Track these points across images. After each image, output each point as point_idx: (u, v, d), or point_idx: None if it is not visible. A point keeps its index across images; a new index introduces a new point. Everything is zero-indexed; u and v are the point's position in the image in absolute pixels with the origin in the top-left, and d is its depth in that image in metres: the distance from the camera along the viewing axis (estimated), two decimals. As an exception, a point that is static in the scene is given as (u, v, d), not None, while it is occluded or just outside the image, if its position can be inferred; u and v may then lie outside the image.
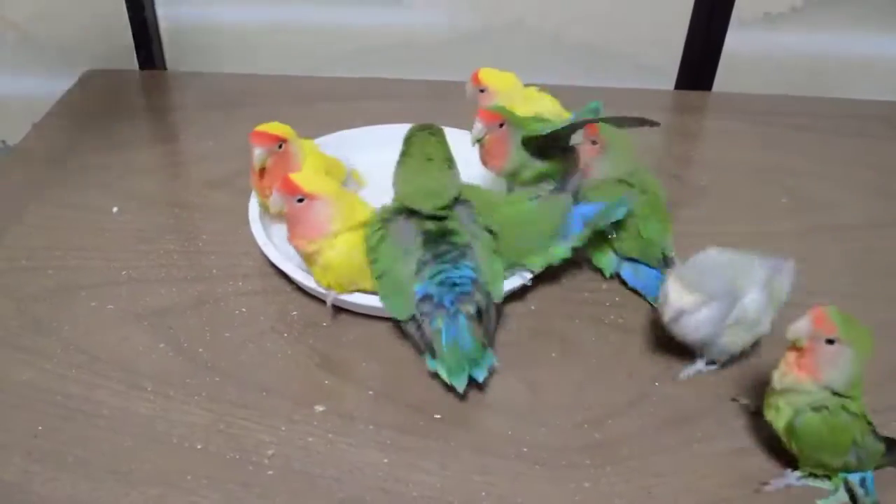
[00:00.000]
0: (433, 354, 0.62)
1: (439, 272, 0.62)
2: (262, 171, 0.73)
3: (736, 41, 1.11)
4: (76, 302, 0.71)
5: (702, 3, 1.07)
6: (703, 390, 0.64)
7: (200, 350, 0.66)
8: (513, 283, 0.70)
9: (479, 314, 0.63)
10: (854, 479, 0.57)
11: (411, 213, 0.65)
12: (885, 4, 1.09)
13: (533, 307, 0.72)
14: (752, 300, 0.62)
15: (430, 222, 0.64)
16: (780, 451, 0.58)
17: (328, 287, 0.67)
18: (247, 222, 0.75)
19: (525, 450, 0.59)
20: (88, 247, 0.77)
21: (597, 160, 0.75)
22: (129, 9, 1.10)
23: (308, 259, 0.67)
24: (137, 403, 0.61)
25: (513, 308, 0.71)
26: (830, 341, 0.54)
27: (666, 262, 0.72)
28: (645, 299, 0.73)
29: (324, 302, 0.70)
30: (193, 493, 0.55)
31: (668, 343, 0.68)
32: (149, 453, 0.58)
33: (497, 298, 0.65)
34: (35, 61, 1.16)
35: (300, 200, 0.64)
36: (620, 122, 0.75)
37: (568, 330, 0.70)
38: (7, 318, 0.69)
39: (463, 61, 1.14)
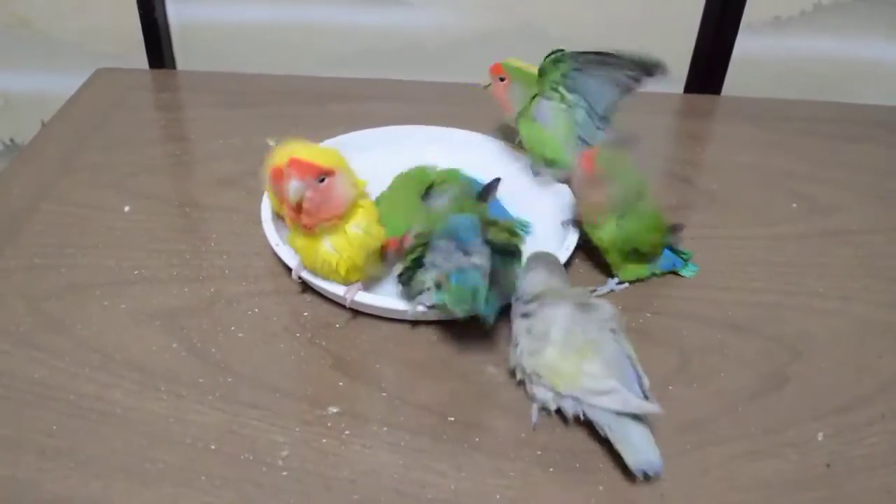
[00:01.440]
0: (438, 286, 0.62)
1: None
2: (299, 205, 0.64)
3: (745, 45, 1.11)
4: (89, 301, 0.71)
5: (712, 7, 1.08)
6: (716, 394, 0.64)
7: (213, 350, 0.66)
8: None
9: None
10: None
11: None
12: (893, 9, 1.09)
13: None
14: (546, 313, 0.61)
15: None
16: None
17: (346, 276, 0.67)
18: (258, 222, 0.76)
19: (539, 453, 0.59)
20: (100, 246, 0.77)
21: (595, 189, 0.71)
22: (139, 7, 1.10)
23: (333, 241, 0.66)
24: (151, 403, 0.61)
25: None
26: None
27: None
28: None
29: (336, 303, 0.70)
30: (207, 494, 0.55)
31: (680, 345, 0.68)
32: (162, 453, 0.58)
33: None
34: (45, 59, 1.16)
35: (322, 181, 0.63)
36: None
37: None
38: (20, 317, 0.69)
39: (471, 63, 1.14)
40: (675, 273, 0.76)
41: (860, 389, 0.65)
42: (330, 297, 0.70)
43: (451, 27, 1.12)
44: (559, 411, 0.60)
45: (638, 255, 0.72)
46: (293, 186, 0.62)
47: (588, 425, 0.60)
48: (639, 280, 0.75)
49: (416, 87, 1.11)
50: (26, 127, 1.21)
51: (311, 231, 0.65)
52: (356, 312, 0.70)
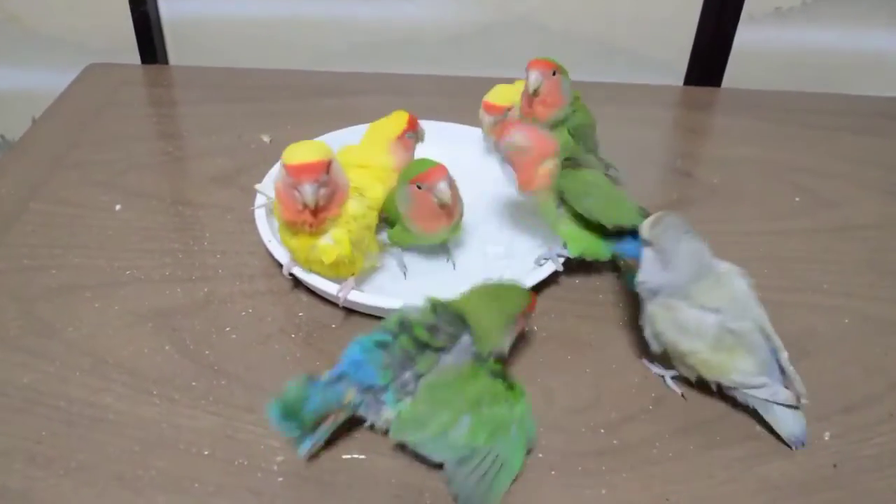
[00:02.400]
0: None
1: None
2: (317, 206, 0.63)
3: (746, 36, 1.09)
4: (79, 303, 0.69)
5: (711, -1, 1.06)
6: (722, 395, 0.63)
7: (206, 352, 0.65)
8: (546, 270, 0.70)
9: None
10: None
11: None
12: (894, 0, 1.08)
13: (545, 309, 0.70)
14: (700, 316, 0.59)
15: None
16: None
17: (340, 271, 0.66)
18: (252, 220, 0.74)
19: (540, 455, 0.57)
20: (91, 245, 0.76)
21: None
22: (130, 2, 1.08)
23: (333, 233, 0.65)
24: (143, 407, 0.60)
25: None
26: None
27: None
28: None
29: (332, 303, 0.69)
30: (201, 501, 0.54)
31: (646, 367, 0.67)
32: (155, 459, 0.56)
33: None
34: (36, 55, 1.15)
35: (328, 172, 0.62)
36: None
37: (581, 332, 0.68)
38: (8, 319, 0.67)
39: (470, 56, 1.13)
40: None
41: (867, 388, 0.64)
42: (325, 296, 0.69)
43: (448, 20, 1.11)
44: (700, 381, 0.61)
45: (588, 224, 0.69)
46: (309, 191, 0.61)
47: (598, 425, 0.58)
48: (596, 260, 0.72)
49: (413, 80, 1.10)
50: (17, 124, 1.19)
51: (318, 228, 0.64)
52: (351, 312, 0.69)
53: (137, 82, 1.08)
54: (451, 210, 0.70)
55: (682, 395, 0.63)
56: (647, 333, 0.62)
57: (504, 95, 0.84)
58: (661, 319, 0.60)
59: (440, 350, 0.56)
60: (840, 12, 1.09)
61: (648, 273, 0.61)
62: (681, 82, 1.13)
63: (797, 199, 0.87)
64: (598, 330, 0.68)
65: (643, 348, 0.65)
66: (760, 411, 0.60)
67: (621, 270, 0.74)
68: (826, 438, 0.60)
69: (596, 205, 0.68)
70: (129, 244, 0.76)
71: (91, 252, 0.75)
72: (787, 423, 0.59)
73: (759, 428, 0.60)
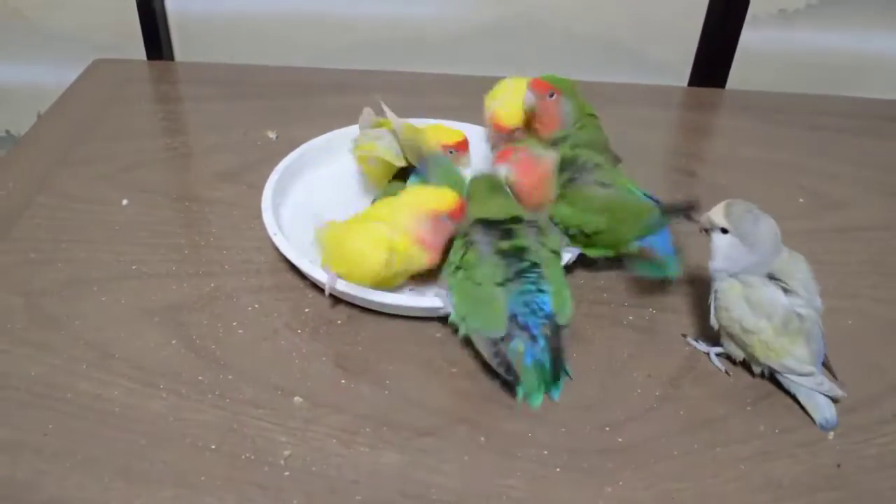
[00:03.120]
0: (510, 373, 0.60)
1: (524, 292, 0.61)
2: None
3: (750, 38, 1.10)
4: (86, 296, 0.70)
5: (716, 0, 1.06)
6: (726, 393, 0.63)
7: (213, 347, 0.65)
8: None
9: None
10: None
11: (485, 231, 0.65)
12: (901, 2, 1.08)
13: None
14: (774, 296, 0.61)
15: (503, 242, 0.63)
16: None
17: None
18: (258, 216, 0.74)
19: (545, 452, 0.58)
20: (97, 240, 0.76)
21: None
22: (137, -2, 1.08)
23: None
24: (150, 401, 0.60)
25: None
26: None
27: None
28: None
29: (338, 299, 0.69)
30: (208, 495, 0.54)
31: (690, 345, 0.67)
32: (161, 453, 0.56)
33: (564, 322, 0.62)
34: (42, 50, 1.15)
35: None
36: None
37: (586, 331, 0.68)
38: (15, 313, 0.68)
39: (475, 55, 1.13)
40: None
41: (871, 388, 0.64)
42: (332, 292, 0.69)
43: (453, 19, 1.11)
44: (744, 362, 0.64)
45: (584, 236, 0.71)
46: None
47: (603, 424, 0.59)
48: (606, 258, 0.73)
49: (418, 79, 1.10)
50: (23, 119, 1.20)
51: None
52: (357, 308, 0.69)
53: (143, 78, 1.08)
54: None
55: (727, 372, 0.65)
56: (713, 308, 0.64)
57: (513, 102, 0.82)
58: (734, 295, 0.62)
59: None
60: (844, 15, 1.09)
61: (731, 259, 0.63)
62: (685, 83, 1.14)
63: (801, 200, 0.87)
64: (602, 328, 0.69)
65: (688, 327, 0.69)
66: (799, 396, 0.62)
67: (633, 262, 0.73)
68: (830, 438, 0.60)
69: (601, 237, 0.70)
70: (136, 239, 0.76)
71: (98, 246, 0.75)
72: (823, 409, 0.61)
73: (763, 427, 0.60)
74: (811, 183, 0.91)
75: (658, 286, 0.73)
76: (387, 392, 0.62)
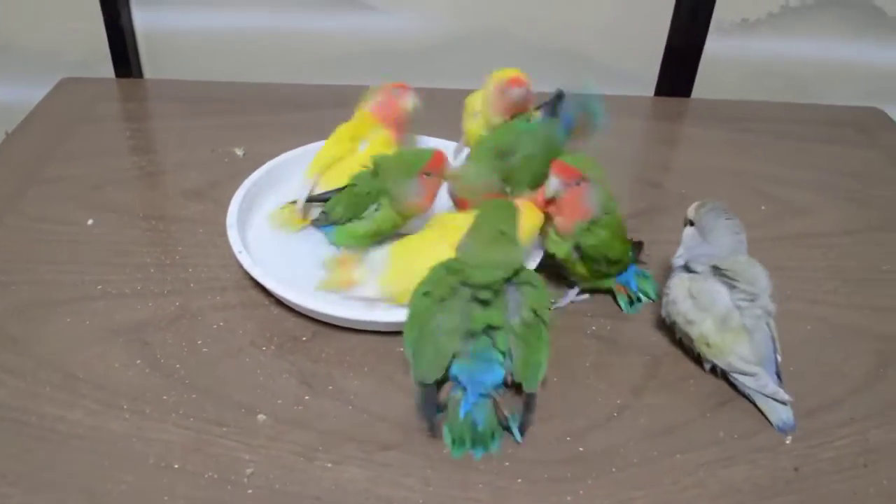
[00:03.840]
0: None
1: (477, 354, 0.58)
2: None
3: (714, 47, 1.11)
4: (50, 318, 0.69)
5: (680, 10, 1.08)
6: (686, 401, 0.64)
7: (177, 366, 0.65)
8: None
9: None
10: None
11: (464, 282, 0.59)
12: (860, 11, 1.10)
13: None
14: (714, 288, 0.64)
15: (476, 304, 0.58)
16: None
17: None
18: (224, 234, 0.74)
19: (507, 464, 0.58)
20: (63, 261, 0.76)
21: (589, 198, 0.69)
22: (104, 14, 1.08)
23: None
24: (113, 422, 0.60)
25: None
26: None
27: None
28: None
29: (303, 315, 0.69)
30: (171, 514, 0.54)
31: (649, 353, 0.68)
32: (125, 474, 0.56)
33: (530, 390, 0.59)
34: (9, 69, 1.15)
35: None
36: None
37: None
38: (-21, 336, 0.68)
39: (442, 68, 1.14)
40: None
41: (829, 392, 0.66)
42: (298, 309, 0.69)
43: (420, 33, 1.12)
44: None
45: (607, 264, 0.71)
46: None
47: (564, 433, 0.59)
48: (597, 291, 0.75)
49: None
50: (-10, 138, 1.19)
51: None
52: (322, 324, 0.69)
53: (111, 96, 1.08)
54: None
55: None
56: (664, 302, 0.68)
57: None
58: (678, 287, 0.66)
59: None
60: (805, 23, 1.11)
61: (687, 247, 0.67)
62: (651, 93, 1.15)
63: (763, 207, 0.89)
64: (564, 338, 0.69)
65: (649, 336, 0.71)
66: (755, 399, 0.64)
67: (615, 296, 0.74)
68: (788, 442, 0.61)
69: (615, 267, 0.73)
70: (101, 259, 0.76)
71: (62, 267, 0.75)
72: (779, 412, 0.63)
73: (722, 433, 0.61)
74: (773, 190, 0.92)
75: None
76: (350, 407, 0.62)
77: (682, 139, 1.05)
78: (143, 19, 1.11)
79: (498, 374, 0.58)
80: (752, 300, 0.63)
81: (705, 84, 1.13)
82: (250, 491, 0.55)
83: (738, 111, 1.10)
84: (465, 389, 0.58)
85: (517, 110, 0.80)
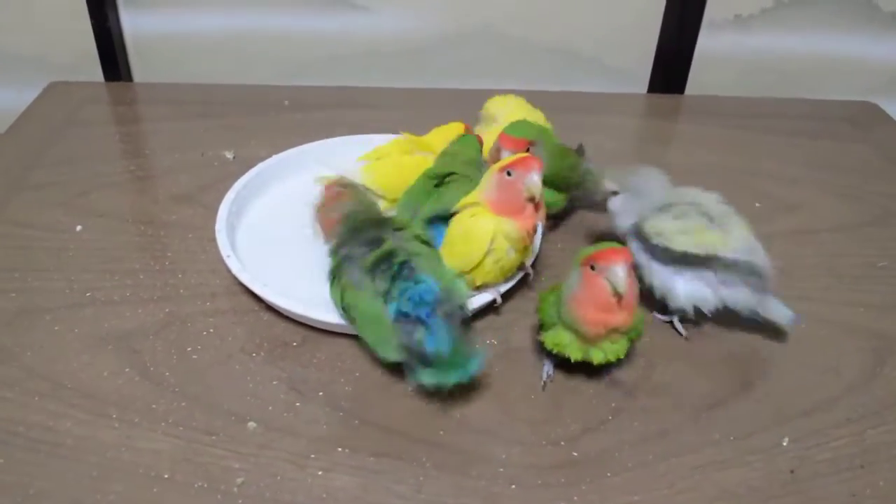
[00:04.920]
0: (425, 364, 0.60)
1: (404, 290, 0.60)
2: None
3: (707, 44, 1.11)
4: (38, 326, 0.69)
5: (673, 6, 1.07)
6: (680, 402, 0.63)
7: (167, 374, 0.64)
8: (483, 298, 0.69)
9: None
10: None
11: (346, 253, 0.64)
12: (853, 5, 1.10)
13: (506, 322, 0.71)
14: (693, 197, 0.70)
15: (367, 257, 0.62)
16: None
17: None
18: (213, 238, 0.74)
19: (500, 469, 0.58)
20: (50, 268, 0.75)
21: None
22: (92, 18, 1.07)
23: None
24: (102, 432, 0.60)
25: (483, 323, 0.70)
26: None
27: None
28: None
29: (293, 321, 0.69)
30: (160, 525, 0.53)
31: (643, 355, 0.68)
32: (114, 484, 0.56)
33: (461, 301, 0.62)
34: (-3, 73, 1.14)
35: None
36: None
37: (540, 344, 0.68)
38: (-34, 345, 0.67)
39: (432, 68, 1.14)
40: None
41: (825, 392, 0.65)
42: (287, 314, 0.69)
43: (411, 32, 1.11)
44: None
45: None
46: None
47: (558, 438, 0.59)
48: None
49: (376, 93, 1.10)
50: (-20, 143, 1.18)
51: None
52: (312, 330, 0.68)
53: (100, 100, 1.07)
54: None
55: (686, 338, 0.69)
56: (657, 256, 0.68)
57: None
58: (661, 222, 0.68)
59: None
60: (799, 18, 1.11)
61: (627, 211, 0.71)
62: (644, 90, 1.14)
63: (757, 204, 0.88)
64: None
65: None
66: (757, 310, 0.67)
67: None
68: (784, 444, 0.60)
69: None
70: (90, 265, 0.76)
71: (50, 274, 0.74)
72: (780, 310, 0.67)
73: (717, 435, 0.61)
74: (767, 186, 0.91)
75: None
76: (342, 413, 0.61)
77: (675, 136, 1.05)
78: (131, 22, 1.10)
79: (428, 289, 0.60)
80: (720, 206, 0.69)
81: (698, 80, 1.13)
82: (241, 501, 0.55)
83: (732, 107, 1.09)
84: (419, 321, 0.59)
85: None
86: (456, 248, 0.67)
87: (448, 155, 0.77)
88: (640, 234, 0.69)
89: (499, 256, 0.66)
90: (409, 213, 0.72)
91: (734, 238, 0.67)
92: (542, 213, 0.68)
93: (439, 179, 0.73)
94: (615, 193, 0.72)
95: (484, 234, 0.65)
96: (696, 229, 0.67)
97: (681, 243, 0.67)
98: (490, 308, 0.71)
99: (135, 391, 0.63)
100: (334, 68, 1.13)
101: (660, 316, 0.71)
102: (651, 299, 0.70)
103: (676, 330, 0.70)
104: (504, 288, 0.70)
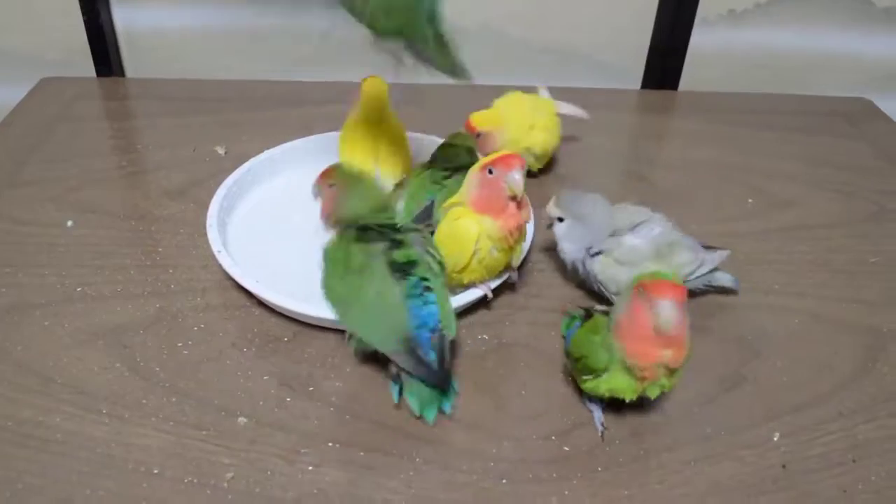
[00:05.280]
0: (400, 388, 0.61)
1: (413, 306, 0.59)
2: None
3: (701, 39, 1.10)
4: (29, 321, 0.68)
5: (666, 2, 1.07)
6: (672, 397, 0.63)
7: (157, 369, 0.64)
8: (475, 293, 0.68)
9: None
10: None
11: (364, 238, 0.61)
12: (848, 1, 1.09)
13: (498, 318, 0.71)
14: (639, 237, 0.69)
15: (395, 252, 0.60)
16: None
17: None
18: (204, 234, 0.73)
19: (491, 464, 0.57)
20: (41, 263, 0.75)
21: None
22: (83, 13, 1.07)
23: None
24: (92, 427, 0.59)
25: (476, 318, 0.70)
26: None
27: None
28: None
29: (284, 316, 0.68)
30: (149, 521, 0.53)
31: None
32: (103, 479, 0.56)
33: (451, 335, 0.60)
34: (-12, 69, 1.13)
35: None
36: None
37: (531, 339, 0.68)
38: (-45, 341, 0.66)
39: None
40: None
41: (817, 388, 0.65)
42: (278, 310, 0.68)
43: (406, 27, 1.11)
44: None
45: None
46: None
47: (549, 433, 0.59)
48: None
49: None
50: (-29, 139, 1.17)
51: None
52: (303, 325, 0.68)
53: (92, 95, 1.06)
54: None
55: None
56: (605, 287, 0.69)
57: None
58: (606, 265, 0.68)
59: None
60: (793, 14, 1.11)
61: (573, 239, 0.70)
62: (638, 86, 1.14)
63: (750, 200, 0.88)
64: (550, 337, 0.69)
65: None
66: (708, 281, 0.72)
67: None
68: (775, 439, 0.60)
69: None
70: (81, 261, 0.75)
71: (41, 270, 0.74)
72: (726, 278, 0.73)
73: (709, 430, 0.61)
74: (760, 183, 0.91)
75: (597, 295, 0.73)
76: (332, 409, 0.61)
77: (668, 132, 1.04)
78: (123, 17, 1.09)
79: (434, 313, 0.59)
80: (655, 227, 0.69)
81: (692, 76, 1.13)
82: (230, 496, 0.55)
83: (725, 103, 1.09)
84: (418, 344, 0.59)
85: None
86: (443, 249, 0.66)
87: (451, 146, 0.79)
88: (585, 266, 0.70)
89: (483, 256, 0.66)
90: (416, 207, 0.74)
91: (680, 262, 0.69)
92: (527, 211, 0.67)
93: (449, 172, 0.75)
94: (560, 220, 0.70)
95: (469, 236, 0.65)
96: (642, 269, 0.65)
97: (617, 286, 0.69)
98: (482, 303, 0.71)
99: (125, 386, 0.63)
100: (327, 64, 1.13)
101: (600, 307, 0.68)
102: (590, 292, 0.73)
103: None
104: (494, 284, 0.70)
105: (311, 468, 0.57)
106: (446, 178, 0.76)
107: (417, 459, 0.58)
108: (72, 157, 0.92)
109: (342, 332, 0.67)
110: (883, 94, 1.14)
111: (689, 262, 0.70)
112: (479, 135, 0.82)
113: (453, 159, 0.77)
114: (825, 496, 0.56)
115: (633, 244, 0.68)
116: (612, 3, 1.08)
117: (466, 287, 0.69)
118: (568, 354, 0.61)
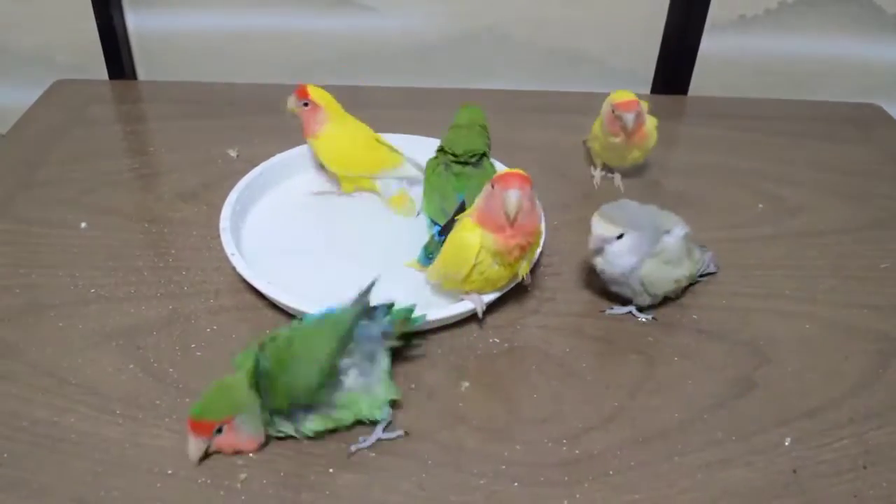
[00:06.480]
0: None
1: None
2: None
3: (711, 45, 1.11)
4: (43, 322, 0.69)
5: (676, 7, 1.07)
6: (682, 401, 0.64)
7: (171, 370, 0.65)
8: (466, 306, 0.68)
9: None
10: None
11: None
12: (857, 7, 1.09)
13: (508, 321, 0.71)
14: (675, 237, 0.69)
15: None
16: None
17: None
18: (217, 236, 0.74)
19: (503, 467, 0.58)
20: (56, 264, 0.75)
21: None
22: (96, 16, 1.07)
23: None
24: (106, 428, 0.60)
25: (487, 321, 0.71)
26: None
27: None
28: None
29: (297, 318, 0.69)
30: (163, 521, 0.53)
31: (645, 353, 0.68)
32: (117, 480, 0.56)
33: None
34: (1, 71, 1.14)
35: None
36: None
37: (543, 342, 0.69)
38: (-29, 341, 0.67)
39: (440, 68, 1.14)
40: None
41: (828, 393, 0.65)
42: (291, 312, 0.69)
43: (416, 32, 1.11)
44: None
45: None
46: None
47: (560, 437, 0.59)
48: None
49: (381, 93, 1.10)
50: (-15, 141, 1.18)
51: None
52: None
53: (105, 98, 1.07)
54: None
55: (654, 318, 0.71)
56: (651, 290, 0.69)
57: None
58: (655, 268, 0.68)
59: None
60: (803, 19, 1.11)
61: (638, 250, 0.68)
62: (648, 90, 1.14)
63: (761, 206, 0.88)
64: (560, 341, 0.69)
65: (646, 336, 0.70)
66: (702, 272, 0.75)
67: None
68: (786, 444, 0.60)
69: None
70: (94, 262, 0.76)
71: (55, 271, 0.75)
72: (711, 264, 0.76)
73: (720, 435, 0.61)
74: (771, 188, 0.91)
75: (615, 297, 0.73)
76: (345, 411, 0.61)
77: (678, 137, 1.05)
78: (136, 20, 1.10)
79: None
80: (674, 226, 0.70)
81: (702, 81, 1.13)
82: (244, 497, 0.55)
83: (735, 108, 1.09)
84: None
85: (631, 131, 0.83)
86: (447, 258, 0.67)
87: (462, 127, 0.80)
88: (634, 274, 0.69)
89: (483, 269, 0.65)
90: (438, 207, 0.76)
91: (696, 259, 0.73)
92: (534, 229, 0.66)
93: (461, 164, 0.77)
94: (620, 237, 0.67)
95: (469, 250, 0.64)
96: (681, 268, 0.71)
97: (661, 286, 0.70)
98: (493, 307, 0.71)
99: (138, 387, 0.63)
100: (339, 68, 1.14)
101: (617, 310, 0.73)
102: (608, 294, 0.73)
103: (637, 317, 0.72)
104: (488, 298, 0.69)
105: (323, 469, 0.57)
106: (463, 165, 0.77)
107: (429, 462, 0.58)
108: (85, 159, 0.92)
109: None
110: (893, 99, 1.14)
111: (699, 259, 0.74)
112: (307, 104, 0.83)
113: (462, 142, 0.78)
114: (836, 502, 0.56)
115: (673, 244, 0.69)
116: (623, 7, 1.08)
117: (468, 294, 0.69)
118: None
